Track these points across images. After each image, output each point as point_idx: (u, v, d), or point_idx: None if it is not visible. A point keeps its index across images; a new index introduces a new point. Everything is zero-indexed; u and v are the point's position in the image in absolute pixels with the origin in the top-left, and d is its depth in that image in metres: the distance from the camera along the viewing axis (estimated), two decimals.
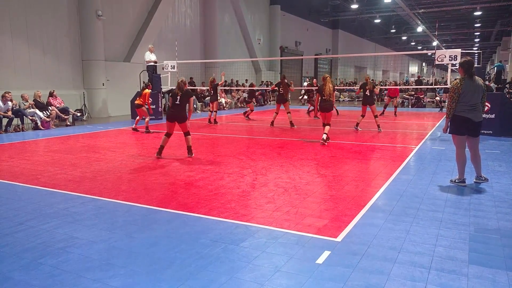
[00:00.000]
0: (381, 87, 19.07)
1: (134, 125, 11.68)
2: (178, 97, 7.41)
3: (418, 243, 3.54)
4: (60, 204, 4.73)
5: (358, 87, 12.01)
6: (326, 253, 3.31)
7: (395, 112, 16.72)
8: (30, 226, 4.01)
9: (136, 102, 11.34)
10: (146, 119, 11.19)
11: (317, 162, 6.99)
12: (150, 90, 11.65)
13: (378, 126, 11.18)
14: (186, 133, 7.60)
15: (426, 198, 4.88)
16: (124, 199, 4.88)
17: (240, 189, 5.31)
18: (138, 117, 11.52)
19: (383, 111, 16.77)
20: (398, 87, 19.28)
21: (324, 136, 8.92)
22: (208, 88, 14.14)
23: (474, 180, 5.61)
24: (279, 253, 3.33)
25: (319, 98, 8.94)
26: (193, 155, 7.64)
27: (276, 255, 3.30)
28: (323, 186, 5.43)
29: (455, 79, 5.49)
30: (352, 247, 3.44)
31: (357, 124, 11.54)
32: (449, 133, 5.49)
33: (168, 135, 7.58)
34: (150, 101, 11.91)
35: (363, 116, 11.40)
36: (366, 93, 11.03)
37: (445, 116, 5.51)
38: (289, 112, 12.57)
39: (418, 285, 2.83)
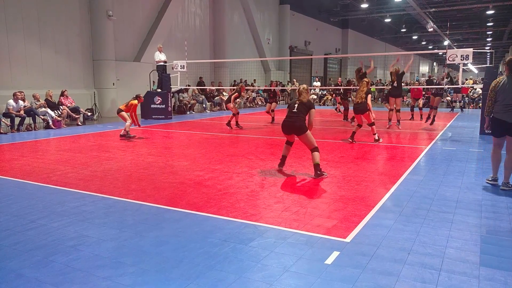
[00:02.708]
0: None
1: (123, 131, 10.13)
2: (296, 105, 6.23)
3: (428, 244, 3.51)
4: (71, 202, 4.78)
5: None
6: (335, 254, 3.29)
7: (421, 115, 14.38)
8: (41, 224, 4.06)
9: (119, 107, 10.22)
10: (127, 123, 10.01)
11: (327, 162, 6.96)
12: (137, 103, 10.27)
13: (398, 121, 10.94)
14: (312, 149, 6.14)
15: (437, 199, 4.83)
16: (134, 198, 4.91)
17: (249, 188, 5.31)
18: (127, 122, 10.09)
19: (412, 114, 14.74)
20: (421, 86, 16.83)
21: (376, 136, 9.07)
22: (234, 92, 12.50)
23: (501, 187, 5.26)
24: (287, 253, 3.32)
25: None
26: (325, 174, 6.09)
27: (284, 255, 3.29)
28: (333, 186, 5.41)
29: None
30: (362, 248, 3.42)
31: (390, 120, 11.15)
32: (490, 134, 5.52)
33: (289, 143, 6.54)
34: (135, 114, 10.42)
35: (392, 110, 11.18)
36: (394, 84, 10.70)
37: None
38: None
39: (428, 287, 2.80)
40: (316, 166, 6.00)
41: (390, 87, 11.15)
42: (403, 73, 11.32)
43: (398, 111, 10.93)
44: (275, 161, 7.05)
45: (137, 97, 10.40)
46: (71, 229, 3.91)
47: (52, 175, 6.17)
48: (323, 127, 12.64)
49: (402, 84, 17.94)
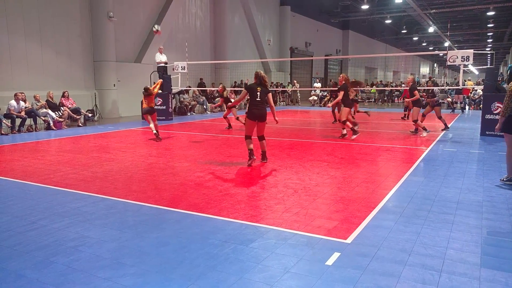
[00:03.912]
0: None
1: (156, 131, 9.83)
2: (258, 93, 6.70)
3: (429, 245, 3.51)
4: (72, 203, 4.79)
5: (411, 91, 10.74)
6: (336, 255, 3.29)
7: (408, 115, 14.82)
8: (42, 225, 4.06)
9: (145, 106, 9.99)
10: (151, 125, 9.86)
11: (327, 164, 6.96)
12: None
13: (425, 127, 10.33)
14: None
15: (437, 200, 4.83)
16: (135, 199, 4.92)
17: (250, 189, 5.32)
18: (151, 124, 9.91)
19: (405, 114, 15.07)
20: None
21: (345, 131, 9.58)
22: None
23: (504, 180, 5.57)
24: (288, 254, 3.32)
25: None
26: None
27: (285, 256, 3.30)
28: (333, 188, 5.41)
29: None
30: (362, 249, 3.42)
31: (425, 128, 10.39)
32: (501, 131, 5.53)
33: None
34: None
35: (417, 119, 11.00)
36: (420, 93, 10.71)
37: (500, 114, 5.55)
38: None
39: None
40: (264, 153, 7.07)
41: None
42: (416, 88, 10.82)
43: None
44: (276, 162, 7.06)
45: (148, 89, 10.01)
46: (72, 230, 3.92)
47: (53, 176, 6.18)
48: (323, 128, 12.65)
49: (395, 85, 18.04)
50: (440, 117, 11.55)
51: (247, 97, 6.85)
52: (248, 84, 7.15)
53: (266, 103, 6.80)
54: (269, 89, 6.94)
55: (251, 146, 6.85)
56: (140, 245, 3.55)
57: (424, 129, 10.31)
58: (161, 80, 10.84)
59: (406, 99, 10.73)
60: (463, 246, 3.50)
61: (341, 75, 10.45)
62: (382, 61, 44.42)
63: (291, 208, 4.50)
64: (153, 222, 4.13)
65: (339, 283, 2.86)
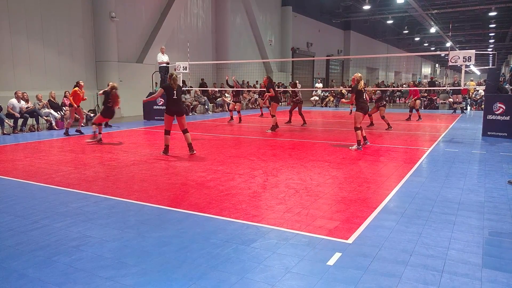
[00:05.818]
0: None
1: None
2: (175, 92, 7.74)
3: (430, 246, 3.51)
4: (74, 203, 4.80)
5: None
6: (337, 255, 3.29)
7: (419, 115, 15.05)
8: (44, 225, 4.07)
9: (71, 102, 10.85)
10: (69, 121, 11.09)
11: (329, 164, 6.96)
12: (78, 88, 10.91)
13: (359, 142, 8.72)
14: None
15: (439, 200, 4.83)
16: (136, 199, 4.92)
17: (251, 190, 5.32)
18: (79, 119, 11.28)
19: (410, 115, 15.25)
20: (417, 88, 17.15)
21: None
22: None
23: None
24: (290, 254, 3.32)
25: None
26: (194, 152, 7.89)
27: (287, 256, 3.30)
28: (334, 188, 5.41)
29: None
30: (364, 249, 3.42)
31: (359, 142, 8.73)
32: None
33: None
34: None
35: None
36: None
37: None
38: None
39: None
40: (190, 145, 7.78)
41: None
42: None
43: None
44: (277, 162, 7.07)
45: (77, 84, 11.07)
46: (74, 230, 3.93)
47: (55, 175, 6.19)
48: (325, 129, 12.66)
49: (411, 84, 18.41)
50: (383, 117, 12.14)
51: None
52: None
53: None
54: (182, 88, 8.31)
55: (168, 142, 7.82)
56: (142, 244, 3.56)
57: (358, 143, 8.46)
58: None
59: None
60: (464, 246, 3.50)
61: (264, 78, 12.17)
62: (383, 61, 44.39)
63: (292, 208, 4.51)
64: (154, 222, 4.14)
65: (340, 283, 2.86)
